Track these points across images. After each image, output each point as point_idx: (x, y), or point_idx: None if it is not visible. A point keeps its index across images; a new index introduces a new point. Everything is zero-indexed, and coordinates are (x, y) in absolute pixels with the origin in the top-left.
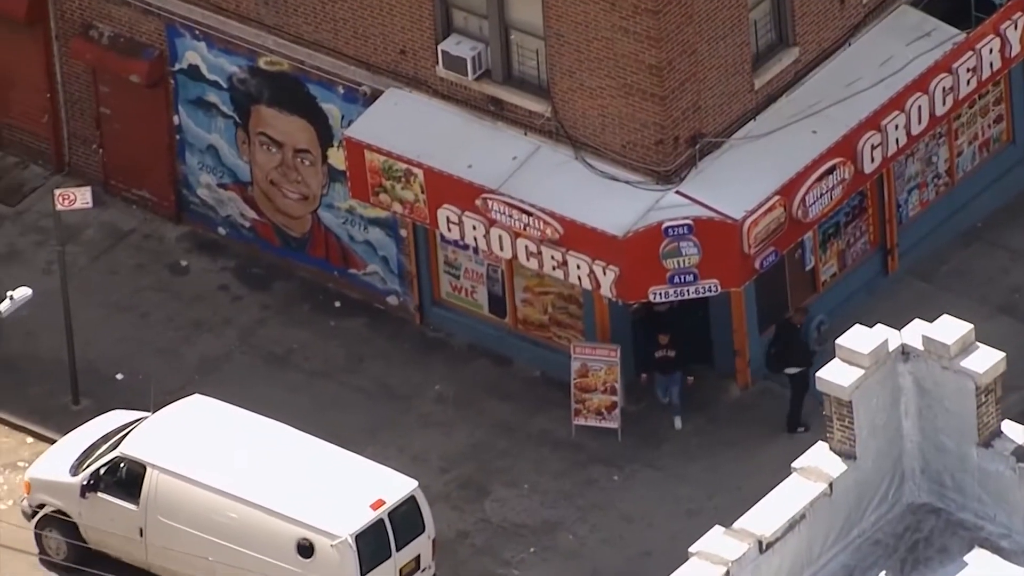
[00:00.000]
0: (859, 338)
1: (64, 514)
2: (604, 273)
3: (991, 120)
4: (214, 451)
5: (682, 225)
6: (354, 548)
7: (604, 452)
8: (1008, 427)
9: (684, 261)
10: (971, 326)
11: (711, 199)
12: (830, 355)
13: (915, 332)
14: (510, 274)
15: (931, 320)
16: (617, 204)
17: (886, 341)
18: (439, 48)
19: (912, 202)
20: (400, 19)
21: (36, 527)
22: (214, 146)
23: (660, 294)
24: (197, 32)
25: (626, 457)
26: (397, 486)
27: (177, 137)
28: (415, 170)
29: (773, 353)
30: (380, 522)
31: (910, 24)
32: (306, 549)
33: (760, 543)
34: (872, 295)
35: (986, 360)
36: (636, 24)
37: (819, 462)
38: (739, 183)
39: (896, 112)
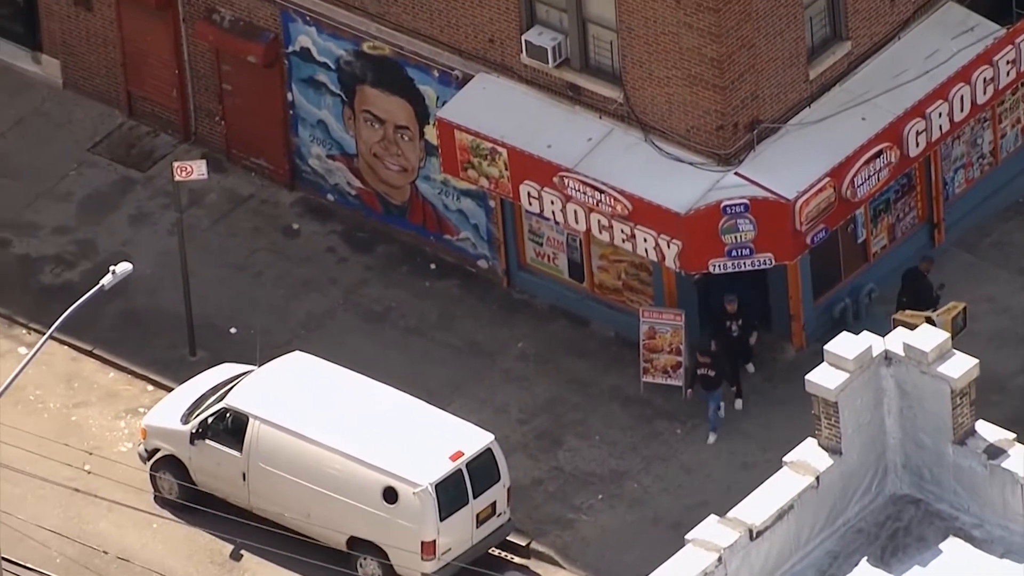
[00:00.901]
0: (845, 344)
1: (176, 458)
2: (668, 246)
3: None
4: (310, 404)
5: (739, 204)
6: (434, 496)
7: (669, 407)
8: (981, 427)
9: (741, 237)
10: (947, 335)
11: (767, 180)
12: (880, 320)
13: (897, 339)
14: (587, 243)
15: (976, 287)
16: (681, 183)
17: (870, 347)
18: (523, 38)
19: (958, 180)
20: (489, 11)
21: (151, 469)
22: (323, 121)
23: (719, 266)
24: (308, 18)
25: (688, 412)
26: (475, 439)
27: (291, 112)
28: (500, 149)
29: (904, 301)
30: (459, 472)
31: (955, 20)
32: (391, 495)
33: (751, 531)
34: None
35: (961, 366)
36: (699, 20)
37: (807, 457)
38: (793, 166)
39: (940, 101)
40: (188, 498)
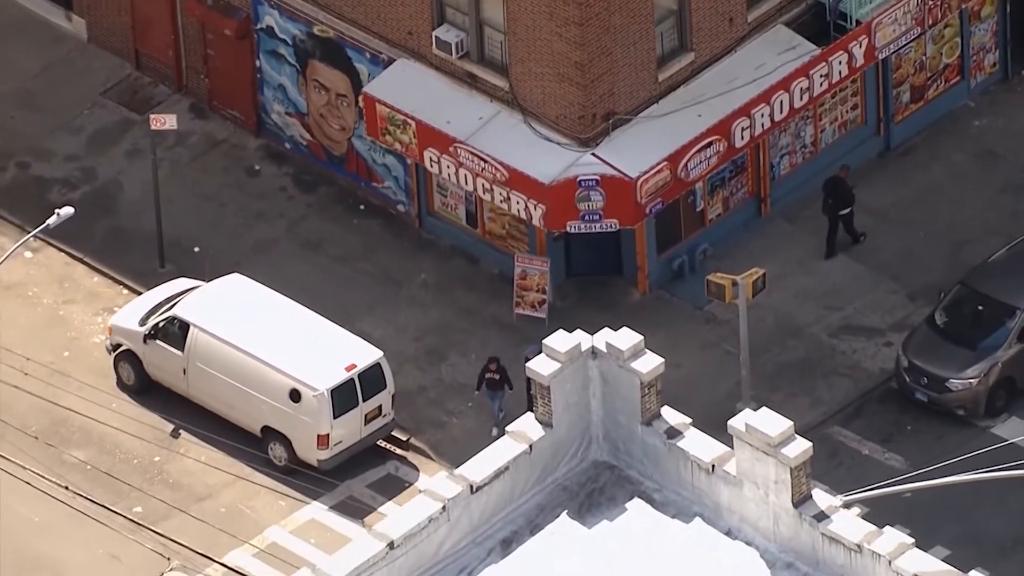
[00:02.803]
0: (560, 340)
1: (134, 353)
2: (535, 209)
3: (849, 107)
4: (240, 318)
5: (592, 179)
6: (329, 399)
7: (534, 334)
8: (666, 412)
9: (592, 205)
10: (642, 337)
11: (616, 161)
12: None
13: (601, 338)
14: (480, 198)
15: (790, 251)
16: (548, 159)
17: (579, 344)
18: (434, 34)
19: (783, 164)
20: (409, 10)
21: (114, 360)
22: (283, 85)
23: (575, 227)
24: (272, 2)
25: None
26: (368, 354)
27: (258, 76)
28: (410, 121)
29: (830, 203)
30: (351, 380)
31: (782, 39)
32: (296, 396)
33: (471, 486)
34: (748, 231)
35: (649, 363)
36: (567, 32)
37: (525, 428)
38: (639, 150)
39: (763, 104)
40: (142, 386)
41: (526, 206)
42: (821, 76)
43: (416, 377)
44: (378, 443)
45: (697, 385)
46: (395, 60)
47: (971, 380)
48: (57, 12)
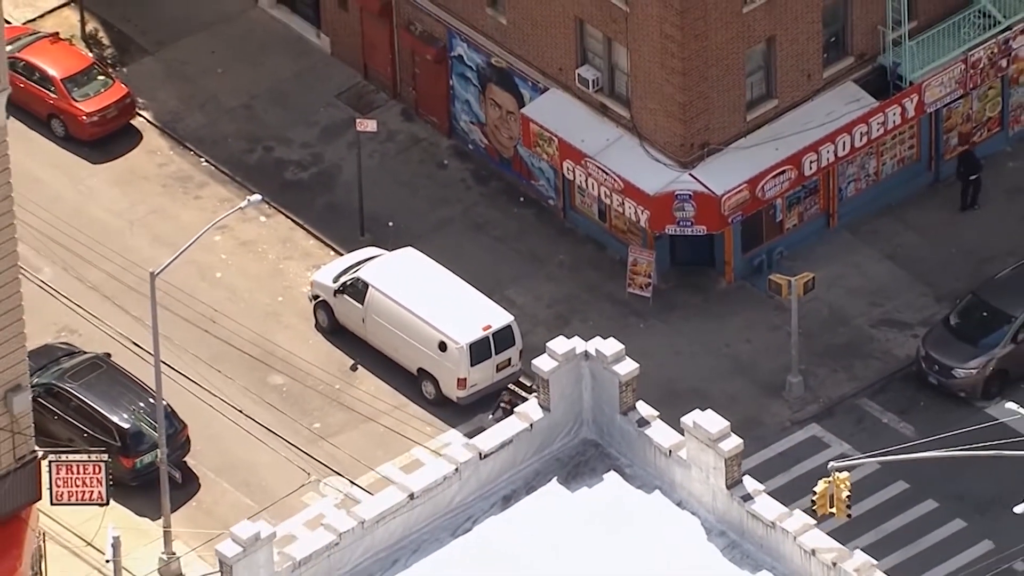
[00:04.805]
0: (559, 344)
1: (327, 303)
2: (642, 213)
3: (906, 146)
4: (408, 282)
5: (686, 193)
6: (467, 351)
7: (639, 309)
8: (640, 406)
9: (685, 214)
10: (623, 346)
11: (707, 181)
12: (783, 269)
13: (592, 345)
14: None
15: (849, 256)
16: (655, 176)
17: (574, 348)
18: (577, 71)
19: (849, 189)
20: (560, 51)
21: (314, 308)
22: (468, 101)
23: (672, 229)
24: (462, 36)
25: (650, 315)
26: (502, 317)
27: (451, 92)
28: (553, 138)
29: (962, 171)
30: (486, 338)
31: (849, 93)
32: (443, 346)
33: (480, 453)
34: (818, 239)
35: (626, 367)
36: (673, 79)
37: (528, 410)
38: (726, 174)
39: (829, 143)
40: (332, 328)
41: (635, 211)
42: (878, 124)
43: (544, 336)
44: (507, 387)
45: (761, 357)
46: (548, 89)
47: (972, 370)
48: (309, 30)
